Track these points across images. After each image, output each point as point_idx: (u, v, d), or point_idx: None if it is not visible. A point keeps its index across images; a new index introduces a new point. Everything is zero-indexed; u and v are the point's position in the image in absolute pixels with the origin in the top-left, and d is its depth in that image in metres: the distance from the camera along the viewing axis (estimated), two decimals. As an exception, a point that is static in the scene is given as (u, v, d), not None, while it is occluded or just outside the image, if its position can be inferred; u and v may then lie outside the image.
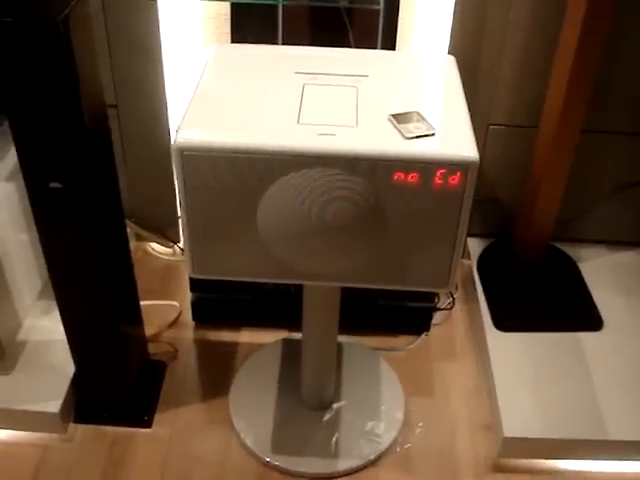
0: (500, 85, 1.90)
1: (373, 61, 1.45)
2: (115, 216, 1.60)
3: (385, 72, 1.42)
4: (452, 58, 1.47)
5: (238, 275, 1.34)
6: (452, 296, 2.17)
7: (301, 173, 1.18)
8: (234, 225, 1.25)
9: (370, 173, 1.18)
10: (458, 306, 2.18)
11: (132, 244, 2.25)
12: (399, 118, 1.23)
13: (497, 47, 1.78)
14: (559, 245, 2.24)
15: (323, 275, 1.32)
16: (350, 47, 1.61)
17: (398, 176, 1.18)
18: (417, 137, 1.20)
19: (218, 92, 1.32)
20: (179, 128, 1.20)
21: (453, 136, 1.23)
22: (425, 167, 1.18)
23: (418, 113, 1.25)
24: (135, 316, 1.83)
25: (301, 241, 1.26)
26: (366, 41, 1.57)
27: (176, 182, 1.23)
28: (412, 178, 1.19)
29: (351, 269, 1.31)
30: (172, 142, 1.19)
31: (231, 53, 1.47)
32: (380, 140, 1.21)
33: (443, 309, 2.17)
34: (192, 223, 1.26)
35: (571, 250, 2.25)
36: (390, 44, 1.58)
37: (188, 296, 2.05)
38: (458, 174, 1.18)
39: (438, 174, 1.18)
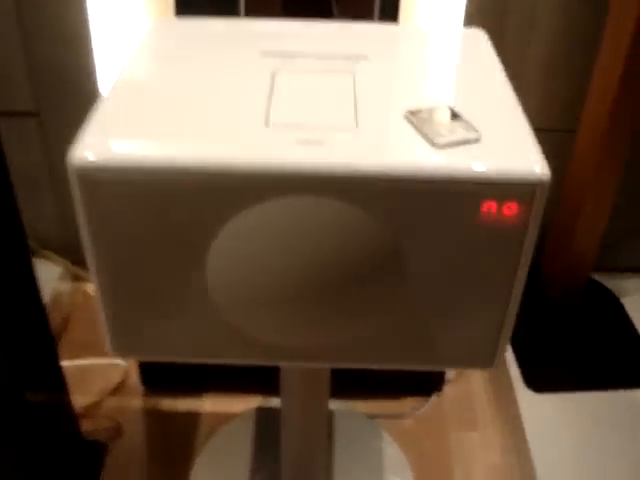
0: (528, 73, 1.47)
1: (372, 37, 1.02)
2: (14, 253, 1.17)
3: (391, 52, 0.99)
4: (482, 33, 1.04)
5: (180, 355, 0.90)
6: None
7: (272, 204, 0.75)
8: (171, 283, 0.82)
9: (381, 202, 0.75)
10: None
11: (68, 286, 1.85)
12: (421, 115, 0.81)
13: (526, 22, 1.35)
14: (596, 276, 1.83)
15: (308, 354, 0.88)
16: (334, 19, 1.18)
17: (425, 206, 0.76)
18: (453, 144, 0.77)
19: (146, 84, 0.89)
20: (79, 137, 0.77)
21: (507, 142, 0.80)
22: (467, 192, 0.75)
23: (449, 108, 0.83)
24: (55, 381, 1.39)
25: (275, 306, 0.83)
26: (356, 11, 1.15)
27: (78, 220, 0.79)
28: (447, 209, 0.76)
29: (350, 345, 0.87)
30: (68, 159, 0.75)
31: (171, 30, 1.04)
32: (395, 150, 0.78)
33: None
34: (106, 281, 0.82)
35: (610, 282, 1.84)
36: (390, 15, 1.15)
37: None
38: (516, 202, 0.75)
39: (487, 202, 0.75)
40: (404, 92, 0.89)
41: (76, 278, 1.89)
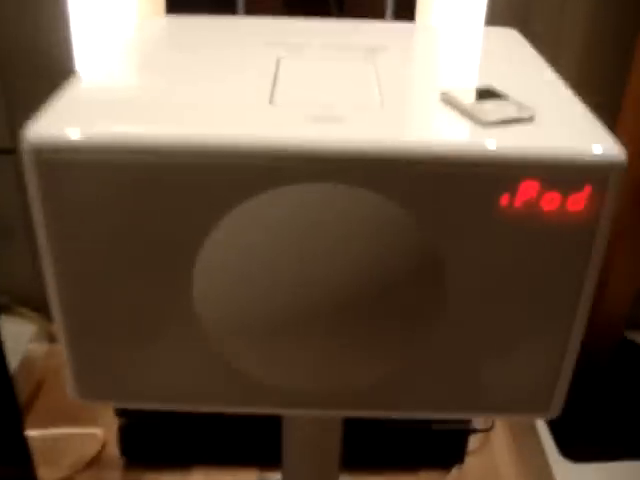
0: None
1: (390, 32, 0.89)
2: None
3: (413, 44, 0.86)
4: (514, 32, 0.91)
5: (160, 400, 0.72)
6: (490, 410, 1.54)
7: (279, 195, 0.59)
8: (149, 302, 0.65)
9: (419, 191, 0.60)
10: (499, 425, 1.56)
11: (43, 347, 1.67)
12: (460, 95, 0.66)
13: (555, 19, 1.22)
14: (630, 335, 1.66)
15: (319, 399, 0.71)
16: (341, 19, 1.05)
17: (472, 196, 0.60)
18: (503, 122, 0.62)
19: (134, 69, 0.75)
20: (39, 113, 0.62)
21: (568, 121, 0.65)
22: (524, 178, 0.59)
23: (492, 88, 0.68)
24: (20, 454, 1.20)
25: (280, 333, 0.66)
26: (365, 10, 1.02)
27: (34, 217, 0.63)
28: (499, 200, 0.60)
29: (374, 387, 0.70)
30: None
31: (163, 27, 0.91)
32: (434, 128, 0.63)
33: (479, 431, 1.55)
34: (68, 300, 0.66)
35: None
36: (405, 15, 1.03)
37: (115, 421, 1.42)
38: (588, 189, 0.60)
39: (549, 193, 0.60)
40: (435, 77, 0.75)
41: (52, 338, 1.71)
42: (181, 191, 0.60)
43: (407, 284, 0.63)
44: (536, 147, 0.59)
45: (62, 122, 0.60)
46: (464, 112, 0.63)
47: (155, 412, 1.34)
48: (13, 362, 1.41)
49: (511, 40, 0.89)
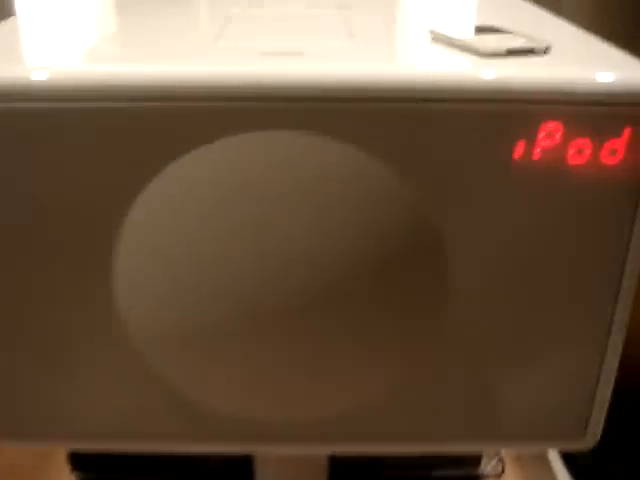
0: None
1: None
2: None
3: (401, 3, 0.72)
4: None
5: (81, 438, 0.55)
6: (499, 455, 1.38)
7: (222, 145, 0.45)
8: (58, 308, 0.49)
9: (409, 141, 0.45)
10: (510, 469, 1.39)
11: None
12: (454, 32, 0.52)
13: None
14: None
15: (292, 431, 0.54)
16: None
17: (474, 142, 0.46)
18: (512, 54, 0.48)
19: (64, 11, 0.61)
20: None
21: (593, 53, 0.51)
22: (545, 119, 0.45)
23: (494, 26, 0.54)
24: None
25: (229, 342, 0.50)
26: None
27: None
28: (512, 149, 0.46)
29: (359, 412, 0.53)
30: None
31: None
32: (423, 59, 0.49)
33: (487, 477, 1.37)
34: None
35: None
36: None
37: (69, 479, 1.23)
38: (627, 133, 0.45)
39: (578, 140, 0.45)
40: (423, 21, 0.61)
41: None
42: (94, 147, 0.45)
43: (395, 267, 0.48)
44: (557, 79, 0.45)
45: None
46: (462, 47, 0.49)
47: (117, 462, 1.16)
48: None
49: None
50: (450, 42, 0.50)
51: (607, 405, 0.55)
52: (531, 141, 0.45)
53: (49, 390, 0.52)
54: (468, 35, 0.50)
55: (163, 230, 0.47)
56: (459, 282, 0.49)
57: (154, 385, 0.52)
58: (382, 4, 0.68)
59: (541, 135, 0.45)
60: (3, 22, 0.57)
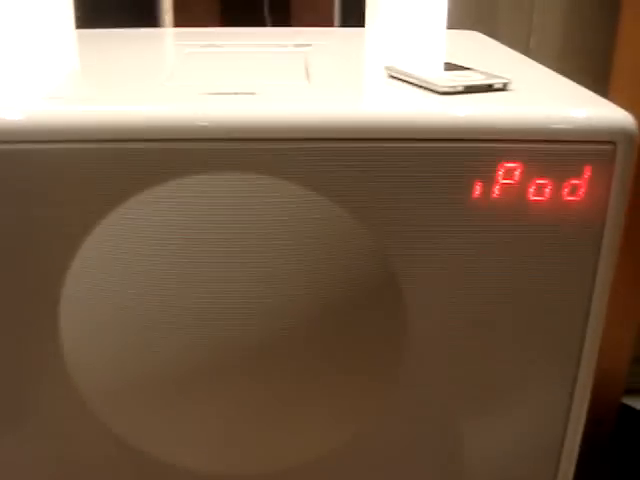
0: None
1: (330, 36, 0.75)
2: None
3: (357, 42, 0.72)
4: (478, 34, 0.78)
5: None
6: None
7: (171, 188, 0.43)
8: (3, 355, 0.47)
9: (361, 182, 0.44)
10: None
11: None
12: (410, 68, 0.51)
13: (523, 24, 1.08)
14: (629, 400, 1.48)
15: None
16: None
17: (429, 180, 0.44)
18: (469, 91, 0.47)
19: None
20: None
21: (554, 90, 0.50)
22: (503, 158, 0.44)
23: (452, 62, 0.53)
24: None
25: (189, 390, 0.48)
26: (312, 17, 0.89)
27: None
28: (470, 188, 0.44)
29: (319, 463, 0.51)
30: None
31: (72, 38, 0.76)
32: (376, 97, 0.48)
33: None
34: None
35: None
36: (354, 20, 0.89)
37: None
38: (588, 171, 0.44)
39: (536, 178, 0.44)
40: (379, 63, 0.60)
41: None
42: (52, 183, 0.43)
43: (351, 310, 0.46)
44: (515, 117, 0.44)
45: None
46: (417, 83, 0.48)
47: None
48: None
49: (475, 38, 0.75)
50: (406, 78, 0.49)
51: (576, 452, 0.53)
52: (490, 180, 0.44)
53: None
54: (425, 72, 0.49)
55: (107, 274, 0.45)
56: (418, 324, 0.47)
57: (106, 439, 0.49)
58: (342, 42, 0.67)
59: (500, 174, 0.44)
60: None
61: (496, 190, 0.44)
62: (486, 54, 0.65)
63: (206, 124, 0.42)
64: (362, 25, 0.86)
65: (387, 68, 0.51)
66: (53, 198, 0.43)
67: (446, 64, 0.52)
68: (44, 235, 0.44)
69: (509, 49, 0.67)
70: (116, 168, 0.43)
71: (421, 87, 0.47)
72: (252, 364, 0.47)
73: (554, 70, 0.56)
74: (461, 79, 0.47)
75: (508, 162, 0.44)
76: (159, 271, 0.44)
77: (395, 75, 0.51)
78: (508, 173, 0.44)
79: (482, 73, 0.49)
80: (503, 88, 0.47)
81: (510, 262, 0.46)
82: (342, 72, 0.55)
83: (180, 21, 0.87)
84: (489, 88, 0.47)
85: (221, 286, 0.45)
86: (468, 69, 0.50)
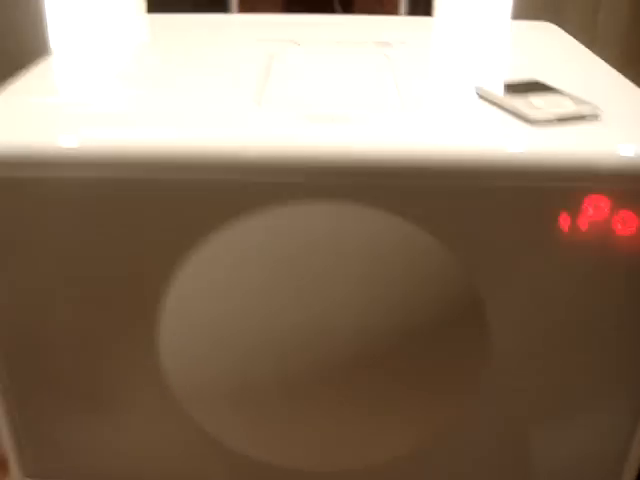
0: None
1: (405, 28, 0.75)
2: None
3: (436, 40, 0.72)
4: (552, 25, 0.77)
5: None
6: None
7: (267, 216, 0.45)
8: (103, 354, 0.50)
9: (455, 214, 0.45)
10: None
11: None
12: (499, 89, 0.52)
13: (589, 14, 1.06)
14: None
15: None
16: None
17: (525, 216, 0.46)
18: (558, 120, 0.47)
19: (97, 65, 0.61)
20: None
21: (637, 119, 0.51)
22: (592, 192, 0.45)
23: (540, 81, 0.54)
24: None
25: (270, 396, 0.51)
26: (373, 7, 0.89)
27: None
28: (558, 220, 0.46)
29: (391, 470, 0.54)
30: None
31: (143, 27, 0.77)
32: (471, 128, 0.48)
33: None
34: (4, 357, 0.51)
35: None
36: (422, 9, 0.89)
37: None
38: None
39: (623, 211, 0.45)
40: (466, 72, 0.61)
41: None
42: (146, 213, 0.45)
43: (437, 330, 0.48)
44: (607, 152, 0.45)
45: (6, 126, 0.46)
46: (508, 109, 0.49)
47: None
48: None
49: (550, 33, 0.75)
50: (497, 102, 0.50)
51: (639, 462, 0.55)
52: (577, 213, 0.45)
53: (96, 436, 0.54)
54: (515, 96, 0.50)
55: (204, 292, 0.47)
56: (500, 344, 0.49)
57: (192, 434, 0.53)
58: (420, 40, 0.67)
59: (587, 207, 0.45)
60: (34, 72, 0.57)
61: (583, 223, 0.46)
62: (564, 58, 0.65)
63: (303, 155, 0.44)
64: (428, 12, 0.86)
65: (477, 88, 0.52)
66: (150, 223, 0.45)
67: (534, 84, 0.53)
68: (143, 259, 0.46)
69: (584, 48, 0.67)
70: (210, 199, 0.45)
71: (514, 114, 0.48)
72: (345, 377, 0.49)
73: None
74: (552, 107, 0.48)
75: (596, 196, 0.45)
76: (253, 295, 0.47)
77: (485, 97, 0.51)
78: (596, 207, 0.45)
79: (571, 98, 0.50)
80: (593, 117, 0.48)
81: (592, 290, 0.48)
82: (430, 87, 0.56)
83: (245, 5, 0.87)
84: (580, 118, 0.48)
85: (317, 309, 0.47)
86: (556, 92, 0.51)
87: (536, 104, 0.49)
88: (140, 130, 0.46)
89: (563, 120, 0.47)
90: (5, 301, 0.48)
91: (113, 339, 0.49)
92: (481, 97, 0.52)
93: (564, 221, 0.46)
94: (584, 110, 0.48)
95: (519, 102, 0.49)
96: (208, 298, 0.47)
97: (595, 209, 0.45)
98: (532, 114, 0.47)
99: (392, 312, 0.47)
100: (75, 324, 0.49)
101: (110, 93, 0.53)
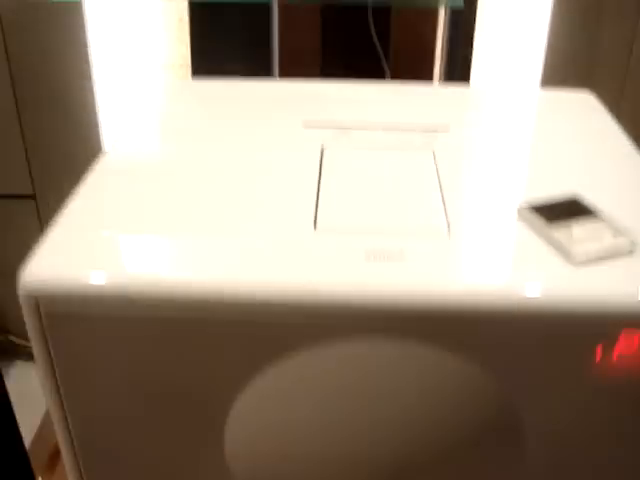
0: None
1: (447, 101, 0.78)
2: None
3: (478, 121, 0.74)
4: (591, 98, 0.80)
5: None
6: None
7: (319, 352, 0.49)
8: (175, 464, 0.55)
9: (501, 349, 0.49)
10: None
11: None
12: (543, 212, 0.55)
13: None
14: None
15: None
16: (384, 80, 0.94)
17: (563, 350, 0.49)
18: (597, 258, 0.51)
19: (145, 166, 0.64)
20: (35, 252, 0.52)
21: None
22: (625, 328, 0.49)
23: (579, 200, 0.57)
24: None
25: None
26: (411, 71, 0.91)
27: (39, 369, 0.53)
28: (594, 353, 0.49)
29: None
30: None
31: (187, 94, 0.80)
32: (515, 268, 0.52)
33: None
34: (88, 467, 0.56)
35: None
36: (460, 76, 0.91)
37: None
38: None
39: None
40: (509, 174, 0.64)
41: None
42: (208, 347, 0.50)
43: (476, 457, 0.53)
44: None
45: (65, 261, 0.50)
46: (549, 239, 0.52)
47: None
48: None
49: (588, 109, 0.77)
50: (537, 228, 0.53)
51: None
52: (611, 345, 0.49)
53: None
54: (556, 223, 0.53)
55: (268, 414, 0.52)
56: (534, 460, 0.53)
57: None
58: (467, 137, 0.69)
59: (621, 340, 0.49)
60: (87, 190, 0.60)
61: (616, 354, 0.49)
62: (603, 151, 0.68)
63: (361, 298, 0.48)
64: (466, 78, 0.88)
65: (520, 210, 0.55)
66: (215, 355, 0.50)
67: (574, 204, 0.56)
68: (209, 383, 0.51)
69: (622, 136, 0.69)
70: (269, 332, 0.49)
71: (554, 246, 0.52)
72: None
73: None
74: (591, 241, 0.51)
75: (629, 329, 0.49)
76: (312, 418, 0.51)
77: (526, 220, 0.55)
78: (629, 339, 0.49)
79: (610, 226, 0.53)
80: (628, 252, 0.51)
81: (623, 416, 0.52)
82: (474, 200, 0.59)
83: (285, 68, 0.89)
84: (615, 253, 0.51)
85: (368, 434, 0.52)
86: (595, 217, 0.54)
87: (576, 235, 0.52)
88: (194, 269, 0.50)
89: (601, 258, 0.51)
90: (78, 427, 0.53)
91: (182, 447, 0.54)
92: (523, 219, 0.55)
93: (597, 352, 0.49)
94: (621, 245, 0.51)
95: (560, 234, 0.52)
96: (270, 414, 0.52)
97: (627, 341, 0.49)
98: (573, 252, 0.50)
99: (433, 431, 0.52)
100: (145, 444, 0.54)
101: (161, 220, 0.56)
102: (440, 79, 0.92)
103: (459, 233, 0.54)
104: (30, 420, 1.26)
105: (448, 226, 0.54)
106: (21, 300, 0.49)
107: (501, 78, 0.94)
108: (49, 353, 0.51)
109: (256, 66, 0.91)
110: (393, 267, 0.49)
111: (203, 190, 0.59)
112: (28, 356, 1.55)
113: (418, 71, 0.91)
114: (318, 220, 0.54)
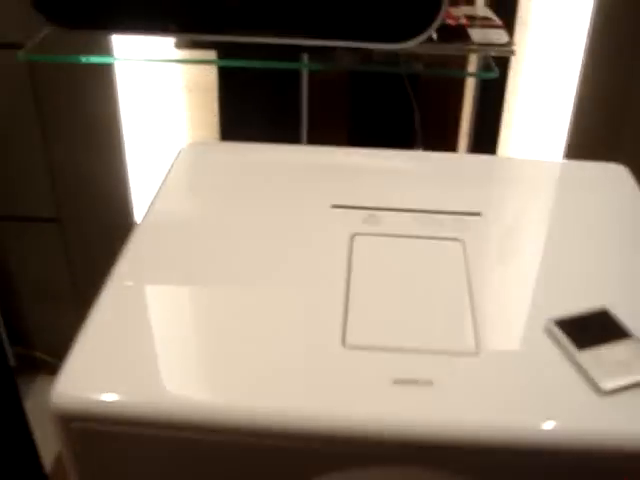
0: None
1: (478, 176, 0.77)
2: None
3: (508, 202, 0.74)
4: (622, 170, 0.79)
5: None
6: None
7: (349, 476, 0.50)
8: None
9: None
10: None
11: None
12: (572, 331, 0.55)
13: None
14: None
15: None
16: (417, 149, 0.93)
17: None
18: (624, 387, 0.51)
19: (171, 270, 0.64)
20: (64, 368, 0.53)
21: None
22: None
23: (608, 313, 0.57)
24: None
25: None
26: (442, 139, 0.90)
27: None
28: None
29: None
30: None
31: (214, 160, 0.80)
32: (542, 402, 0.52)
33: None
34: None
35: None
36: (487, 145, 0.90)
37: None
38: None
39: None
40: (540, 272, 0.63)
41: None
42: (234, 468, 0.51)
43: None
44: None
45: (94, 377, 0.51)
46: (577, 366, 0.52)
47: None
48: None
49: (619, 185, 0.76)
50: (564, 348, 0.54)
51: None
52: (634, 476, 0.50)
53: None
54: (584, 345, 0.53)
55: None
56: None
57: None
58: (498, 227, 0.69)
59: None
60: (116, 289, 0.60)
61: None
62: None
63: (391, 427, 0.48)
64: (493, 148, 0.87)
65: (547, 329, 0.55)
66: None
67: (603, 319, 0.56)
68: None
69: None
70: (285, 459, 0.50)
71: (581, 372, 0.52)
72: None
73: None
74: (620, 372, 0.51)
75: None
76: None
77: (555, 338, 0.55)
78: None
79: (635, 347, 0.53)
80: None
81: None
82: (502, 311, 0.59)
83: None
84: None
85: None
86: (625, 337, 0.54)
87: (604, 362, 0.52)
88: (220, 393, 0.51)
89: (627, 387, 0.51)
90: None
91: None
92: (550, 337, 0.55)
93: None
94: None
95: (588, 362, 0.52)
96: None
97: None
98: (602, 382, 0.51)
99: None
100: None
101: (187, 329, 0.57)
102: (468, 148, 0.92)
103: (487, 353, 0.54)
104: (53, 437, 1.29)
105: (476, 344, 0.54)
106: (51, 418, 0.51)
107: (529, 147, 0.93)
108: (79, 468, 0.52)
109: (284, 131, 0.91)
110: (420, 395, 0.50)
111: (230, 290, 0.60)
112: (51, 371, 1.58)
113: (443, 138, 0.91)
114: (347, 335, 0.55)
